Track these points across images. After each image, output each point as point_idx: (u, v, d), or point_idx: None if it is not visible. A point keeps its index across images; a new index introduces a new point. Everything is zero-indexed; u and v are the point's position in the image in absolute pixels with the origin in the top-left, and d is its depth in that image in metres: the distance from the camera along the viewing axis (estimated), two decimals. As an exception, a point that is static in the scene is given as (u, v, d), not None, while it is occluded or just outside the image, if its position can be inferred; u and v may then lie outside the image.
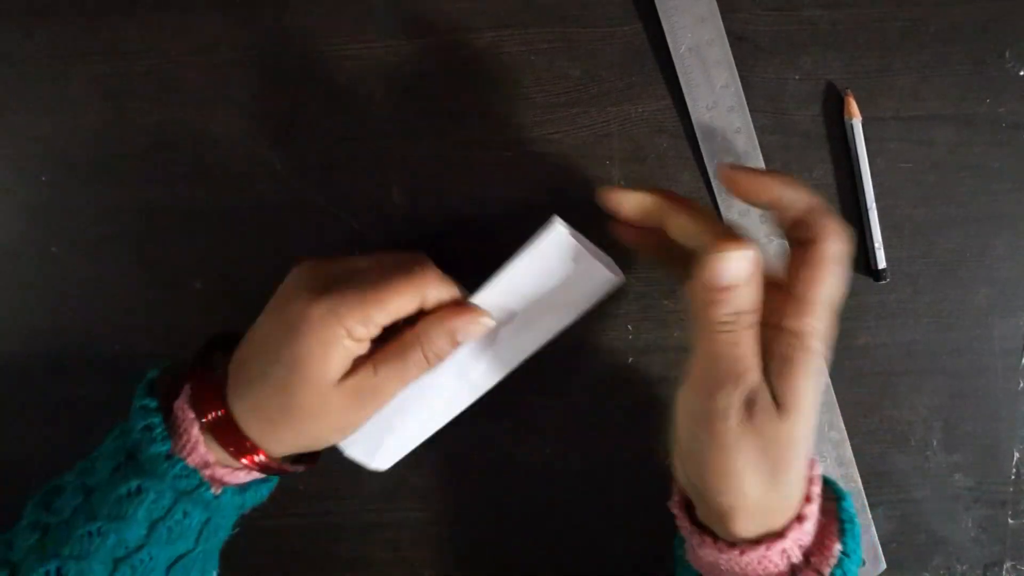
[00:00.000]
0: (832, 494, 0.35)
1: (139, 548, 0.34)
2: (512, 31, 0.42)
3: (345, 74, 0.42)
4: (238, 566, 0.45)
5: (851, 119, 0.42)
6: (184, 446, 0.35)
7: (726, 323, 0.30)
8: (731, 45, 0.42)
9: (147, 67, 0.43)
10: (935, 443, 0.45)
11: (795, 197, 0.32)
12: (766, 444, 0.30)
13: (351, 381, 0.34)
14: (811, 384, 0.31)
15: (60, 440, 0.44)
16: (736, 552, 0.32)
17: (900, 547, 0.45)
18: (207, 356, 0.37)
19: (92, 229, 0.43)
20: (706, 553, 0.33)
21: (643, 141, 0.43)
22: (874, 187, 0.42)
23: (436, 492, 0.45)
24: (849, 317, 0.44)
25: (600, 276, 0.35)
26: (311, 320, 0.33)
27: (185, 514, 0.35)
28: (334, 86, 0.43)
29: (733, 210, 0.43)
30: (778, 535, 0.32)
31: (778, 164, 0.43)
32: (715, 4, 0.42)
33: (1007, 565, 0.46)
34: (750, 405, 0.30)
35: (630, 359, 0.44)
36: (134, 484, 0.34)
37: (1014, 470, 0.45)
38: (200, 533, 0.36)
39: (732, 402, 0.30)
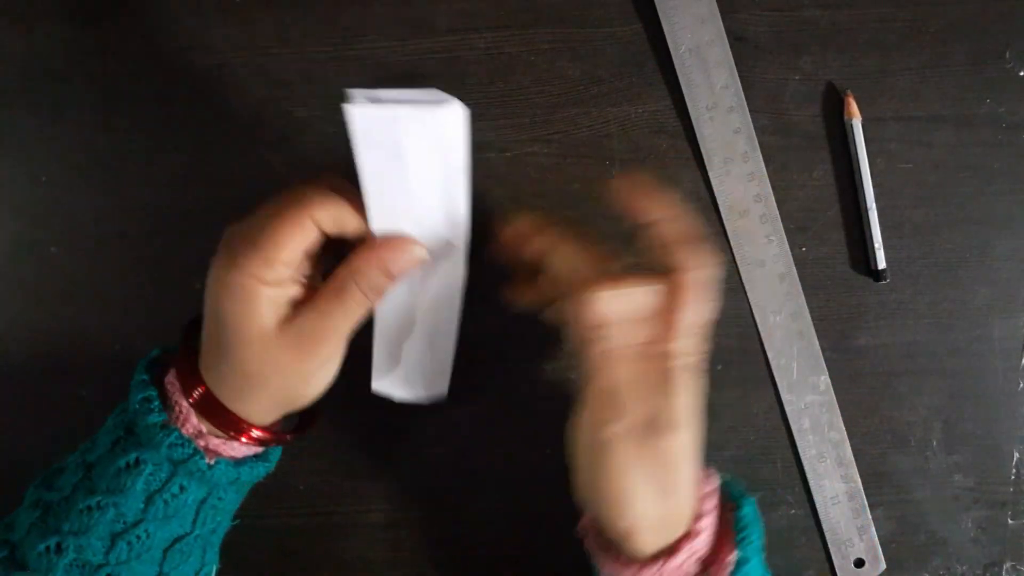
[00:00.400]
0: (731, 502, 0.35)
1: (136, 523, 0.34)
2: (512, 32, 0.42)
3: (345, 75, 0.43)
4: (238, 566, 0.45)
5: (851, 119, 0.42)
6: (177, 417, 0.35)
7: (604, 356, 0.32)
8: (731, 45, 0.42)
9: (147, 67, 0.43)
10: (935, 443, 0.45)
11: (669, 226, 0.33)
12: (654, 465, 0.32)
13: (292, 328, 0.34)
14: (687, 401, 0.32)
15: (60, 440, 0.44)
16: (635, 568, 0.33)
17: (900, 547, 0.45)
18: (190, 336, 0.37)
19: (92, 229, 0.43)
20: (610, 570, 0.34)
21: (643, 141, 0.43)
22: (874, 187, 0.42)
23: (436, 492, 0.45)
24: (849, 317, 0.44)
25: (441, 117, 0.32)
26: (221, 279, 0.33)
27: (182, 488, 0.35)
28: (334, 87, 0.43)
29: (733, 212, 0.43)
30: (672, 550, 0.33)
31: (778, 165, 0.43)
32: (715, 5, 0.42)
33: (1007, 566, 0.46)
34: (636, 430, 0.32)
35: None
36: (132, 456, 0.35)
37: (1014, 471, 0.45)
38: (197, 514, 0.36)
39: (617, 432, 0.32)
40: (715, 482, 0.35)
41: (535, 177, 0.43)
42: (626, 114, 0.43)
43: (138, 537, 0.35)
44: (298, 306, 0.34)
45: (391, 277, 0.34)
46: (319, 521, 0.45)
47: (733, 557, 0.33)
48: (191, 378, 0.35)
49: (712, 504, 0.34)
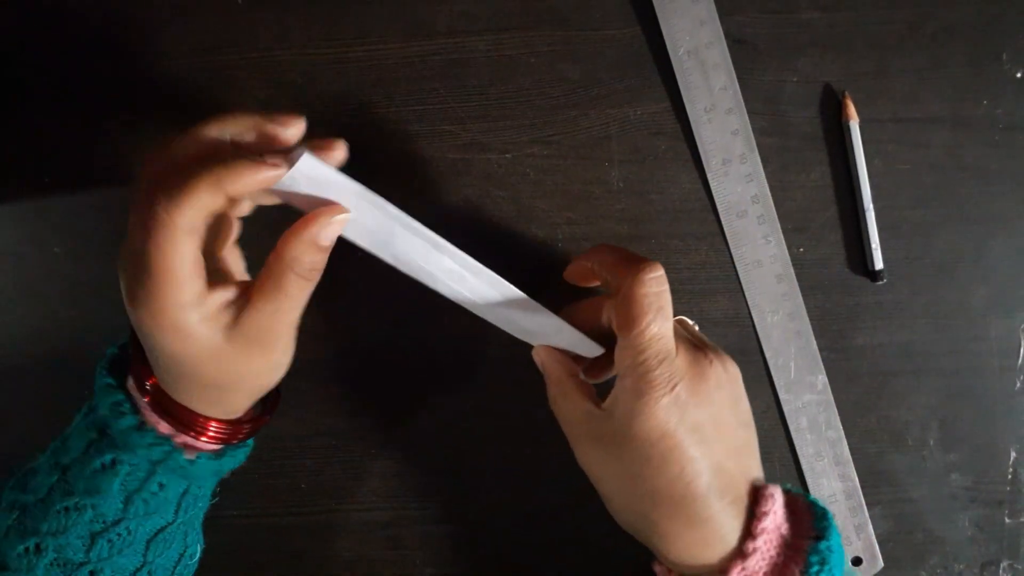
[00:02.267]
0: (813, 526, 0.34)
1: (116, 522, 0.34)
2: (512, 33, 0.42)
3: (345, 77, 0.43)
4: (238, 565, 0.45)
5: (848, 121, 0.42)
6: (150, 417, 0.35)
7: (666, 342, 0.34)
8: (729, 48, 0.42)
9: (147, 68, 0.43)
10: (932, 443, 0.45)
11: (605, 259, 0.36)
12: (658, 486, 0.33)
13: (240, 333, 0.32)
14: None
15: (62, 440, 0.45)
16: None
17: (897, 546, 0.45)
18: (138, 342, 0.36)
19: (94, 230, 0.44)
20: None
21: (642, 143, 0.43)
22: (871, 188, 0.43)
23: (436, 492, 0.45)
24: (846, 317, 0.44)
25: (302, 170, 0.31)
26: (143, 321, 0.32)
27: (161, 486, 0.35)
28: (334, 88, 0.43)
29: (732, 213, 0.43)
30: (721, 571, 0.33)
31: (775, 165, 0.43)
32: (714, 7, 0.42)
33: (1004, 564, 0.46)
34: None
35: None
36: (108, 457, 0.34)
37: (1011, 469, 0.45)
38: (179, 505, 0.36)
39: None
40: (773, 503, 0.34)
41: (534, 179, 0.43)
42: (625, 116, 0.43)
43: (119, 535, 0.35)
44: (239, 306, 0.32)
45: (323, 248, 0.32)
46: (319, 520, 0.45)
47: None
48: (147, 379, 0.35)
49: (768, 525, 0.33)
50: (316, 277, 0.33)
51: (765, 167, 0.43)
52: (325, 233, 0.32)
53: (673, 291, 0.44)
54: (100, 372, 0.36)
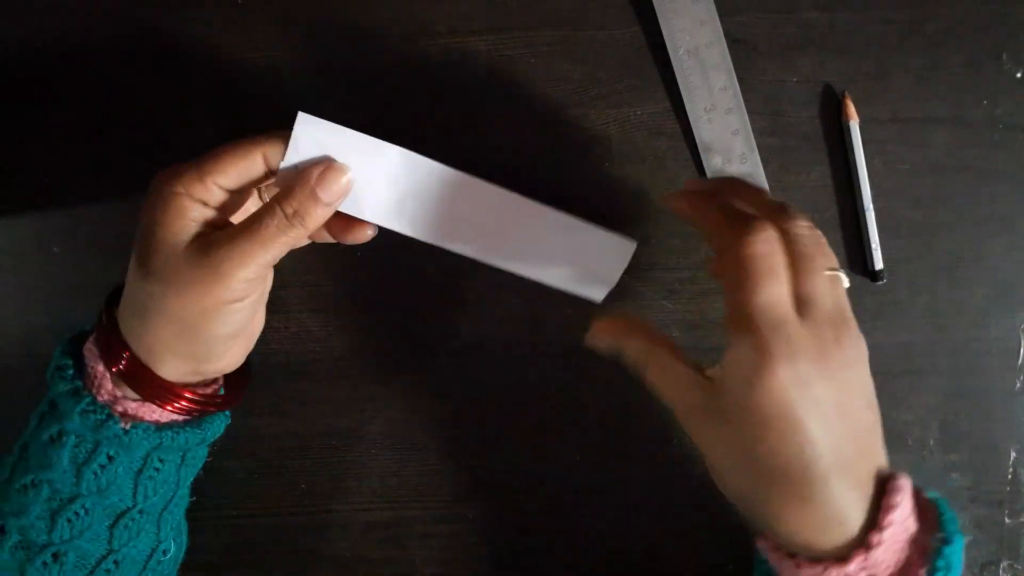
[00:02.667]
0: (939, 528, 0.32)
1: (73, 499, 0.34)
2: (512, 33, 0.42)
3: (345, 76, 0.43)
4: (238, 565, 0.45)
5: (848, 121, 0.42)
6: (92, 382, 0.35)
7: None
8: (729, 48, 0.42)
9: (147, 67, 0.43)
10: (932, 443, 0.45)
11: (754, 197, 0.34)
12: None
13: (203, 244, 0.33)
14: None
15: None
16: (793, 565, 0.31)
17: (897, 546, 0.45)
18: (114, 304, 0.37)
19: (92, 229, 0.44)
20: (776, 563, 0.33)
21: (642, 143, 0.43)
22: (871, 188, 0.43)
23: (436, 492, 0.45)
24: (847, 318, 0.44)
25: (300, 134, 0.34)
26: (155, 188, 0.33)
27: (110, 458, 0.35)
28: (334, 88, 0.43)
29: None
30: (842, 560, 0.30)
31: (776, 166, 0.43)
32: (713, 7, 0.42)
33: (1003, 564, 0.46)
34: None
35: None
36: (55, 428, 0.35)
37: (1011, 470, 0.45)
38: (136, 486, 0.36)
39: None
40: (903, 495, 0.31)
41: (535, 179, 0.43)
42: (625, 116, 0.43)
43: (76, 513, 0.34)
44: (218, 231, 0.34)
45: (319, 202, 0.33)
46: (319, 520, 0.45)
47: None
48: (113, 341, 0.35)
49: (896, 517, 0.31)
50: (300, 228, 0.33)
51: (765, 167, 0.43)
52: (327, 188, 0.33)
53: (674, 291, 0.44)
54: (62, 343, 0.37)
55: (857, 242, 0.44)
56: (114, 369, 0.35)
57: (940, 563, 0.30)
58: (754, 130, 0.43)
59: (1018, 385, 0.45)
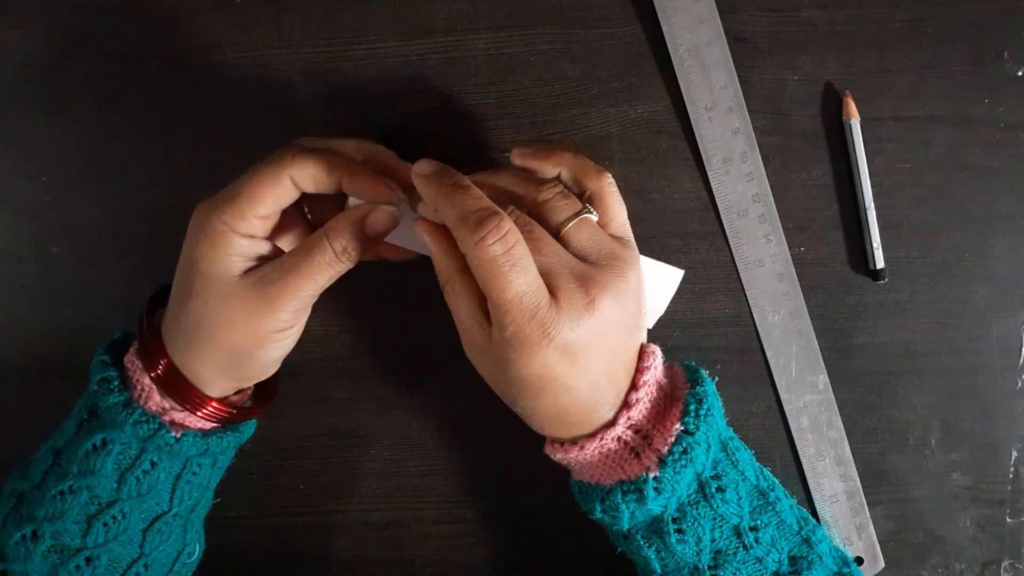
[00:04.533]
0: (688, 380, 0.36)
1: (111, 504, 0.35)
2: (512, 32, 0.42)
3: (345, 75, 0.43)
4: (238, 565, 0.45)
5: (849, 119, 0.42)
6: (140, 395, 0.35)
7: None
8: (730, 46, 0.42)
9: (147, 67, 0.43)
10: (933, 442, 0.45)
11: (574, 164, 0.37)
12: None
13: (253, 277, 0.34)
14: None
15: (61, 440, 0.44)
16: (577, 449, 0.34)
17: (898, 546, 0.45)
18: (153, 313, 0.37)
19: (92, 229, 0.43)
20: (561, 458, 0.36)
21: (642, 142, 0.43)
22: (872, 187, 0.43)
23: (435, 493, 0.45)
24: (848, 317, 0.44)
25: None
26: (196, 222, 0.34)
27: (153, 464, 0.35)
28: (334, 87, 0.43)
29: (732, 212, 0.43)
30: (611, 423, 0.34)
31: (776, 164, 0.43)
32: (714, 5, 0.42)
33: (1005, 563, 0.46)
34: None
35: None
36: (99, 437, 0.35)
37: (1012, 469, 0.45)
38: (173, 490, 0.36)
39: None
40: (653, 359, 0.35)
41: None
42: (625, 114, 0.43)
43: (114, 518, 0.35)
44: (266, 260, 0.35)
45: (365, 238, 0.34)
46: (320, 520, 0.45)
47: (677, 428, 0.34)
48: (154, 350, 0.35)
49: (649, 377, 0.35)
50: (347, 262, 0.35)
51: (766, 166, 0.43)
52: (373, 222, 0.34)
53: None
54: (98, 351, 0.37)
55: (858, 241, 0.43)
56: (153, 375, 0.35)
57: (689, 399, 0.34)
58: (755, 128, 0.43)
59: (1019, 384, 0.45)
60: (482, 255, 0.31)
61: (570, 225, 0.34)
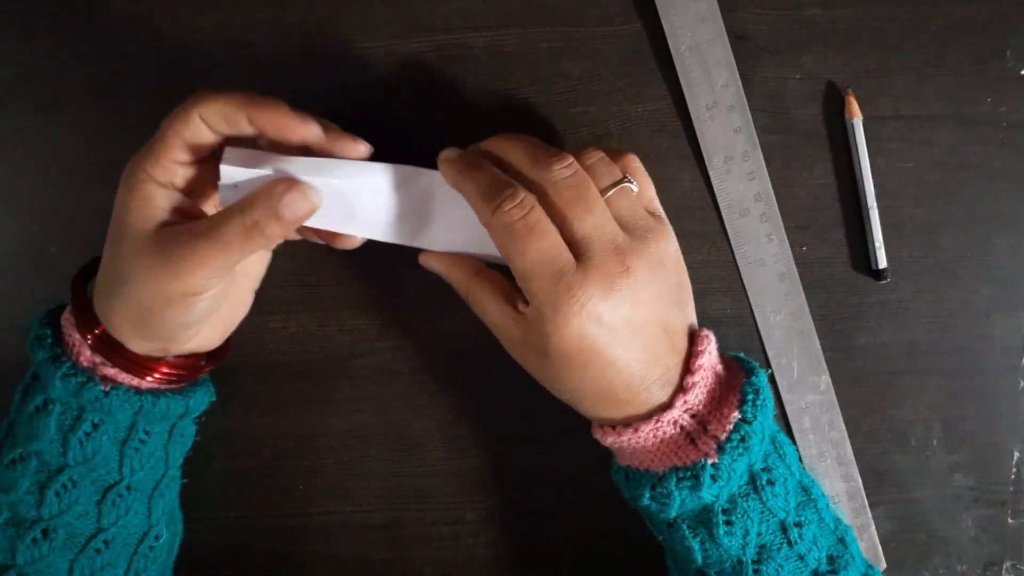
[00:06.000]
0: (743, 370, 0.36)
1: (60, 470, 0.35)
2: (511, 30, 0.42)
3: (344, 75, 0.42)
4: (237, 566, 0.45)
5: (852, 118, 0.42)
6: (70, 349, 0.36)
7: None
8: (731, 44, 0.42)
9: (146, 67, 0.42)
10: (935, 443, 0.45)
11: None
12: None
13: (165, 234, 0.33)
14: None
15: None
16: (631, 432, 0.34)
17: (900, 546, 0.45)
18: (87, 273, 0.37)
19: (91, 229, 0.43)
20: (613, 441, 0.35)
21: (643, 140, 0.43)
22: (875, 186, 0.42)
23: (435, 493, 0.45)
24: (850, 317, 0.44)
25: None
26: (124, 173, 0.34)
27: (95, 425, 0.35)
28: (333, 87, 0.43)
29: (734, 211, 0.43)
30: (666, 406, 0.34)
31: (778, 163, 0.43)
32: (715, 3, 0.42)
33: (1007, 564, 0.46)
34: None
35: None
36: (40, 399, 0.35)
37: (1014, 470, 0.45)
38: (121, 459, 0.36)
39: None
40: (708, 343, 0.35)
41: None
42: (626, 113, 0.43)
43: (64, 486, 0.35)
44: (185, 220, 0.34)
45: (280, 219, 0.33)
46: (319, 521, 0.45)
47: (735, 416, 0.34)
48: (88, 314, 0.36)
49: (705, 361, 0.35)
50: (258, 242, 0.33)
51: (768, 165, 0.43)
52: (289, 207, 0.33)
53: (675, 290, 0.44)
54: (40, 314, 0.37)
55: (860, 240, 0.43)
56: (88, 338, 0.35)
57: (747, 388, 0.34)
58: (756, 127, 0.42)
59: (1022, 384, 0.45)
60: (500, 222, 0.32)
61: (611, 192, 0.34)
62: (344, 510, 0.45)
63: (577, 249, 0.33)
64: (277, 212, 0.33)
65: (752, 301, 0.44)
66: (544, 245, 0.32)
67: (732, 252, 0.43)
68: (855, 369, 0.44)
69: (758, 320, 0.44)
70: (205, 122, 0.33)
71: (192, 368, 0.38)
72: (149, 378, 0.36)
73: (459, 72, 0.43)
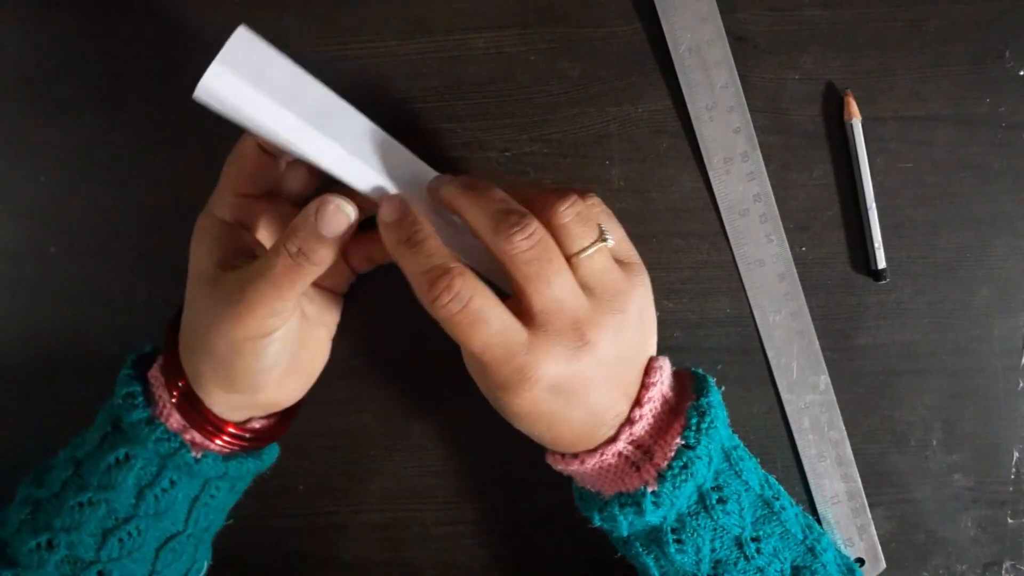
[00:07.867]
0: (694, 391, 0.35)
1: (128, 520, 0.35)
2: (511, 31, 0.42)
3: (344, 75, 0.42)
4: (238, 566, 0.45)
5: (851, 119, 0.42)
6: (161, 411, 0.35)
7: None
8: (731, 45, 0.42)
9: (147, 67, 0.42)
10: (935, 443, 0.45)
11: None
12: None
13: (229, 277, 0.33)
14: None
15: (60, 440, 0.44)
16: (577, 462, 0.35)
17: (900, 547, 0.45)
18: (177, 331, 0.37)
19: (92, 229, 0.43)
20: (562, 468, 0.36)
21: (643, 141, 0.43)
22: (874, 187, 0.42)
23: (436, 492, 0.45)
24: (849, 317, 0.44)
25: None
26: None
27: (172, 483, 0.35)
28: (333, 87, 0.43)
29: (733, 211, 0.43)
30: (612, 439, 0.34)
31: (778, 164, 0.43)
32: (715, 4, 0.42)
33: (1006, 565, 0.46)
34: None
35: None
36: (122, 452, 0.35)
37: (1013, 470, 0.45)
38: (190, 512, 0.36)
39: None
40: (659, 374, 0.35)
41: (534, 177, 0.43)
42: (626, 113, 0.43)
43: (129, 534, 0.35)
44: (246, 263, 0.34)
45: (322, 238, 0.32)
46: (319, 521, 0.45)
47: (677, 442, 0.33)
48: (174, 372, 0.35)
49: (654, 393, 0.34)
50: (309, 268, 0.32)
51: (767, 165, 0.43)
52: (327, 223, 0.32)
53: (675, 291, 0.44)
54: (126, 364, 0.37)
55: (860, 241, 0.43)
56: (174, 395, 0.35)
57: (691, 414, 0.34)
58: (756, 128, 0.42)
59: (1021, 385, 0.45)
60: (438, 315, 0.31)
61: (585, 255, 0.33)
62: (344, 510, 0.45)
63: (534, 323, 0.31)
64: (317, 233, 0.32)
65: (752, 301, 0.44)
66: (488, 332, 0.30)
67: (732, 252, 0.43)
68: (854, 369, 0.44)
69: (758, 320, 0.44)
70: (263, 148, 0.34)
71: (270, 431, 0.39)
72: (220, 441, 0.36)
73: (459, 73, 0.43)
